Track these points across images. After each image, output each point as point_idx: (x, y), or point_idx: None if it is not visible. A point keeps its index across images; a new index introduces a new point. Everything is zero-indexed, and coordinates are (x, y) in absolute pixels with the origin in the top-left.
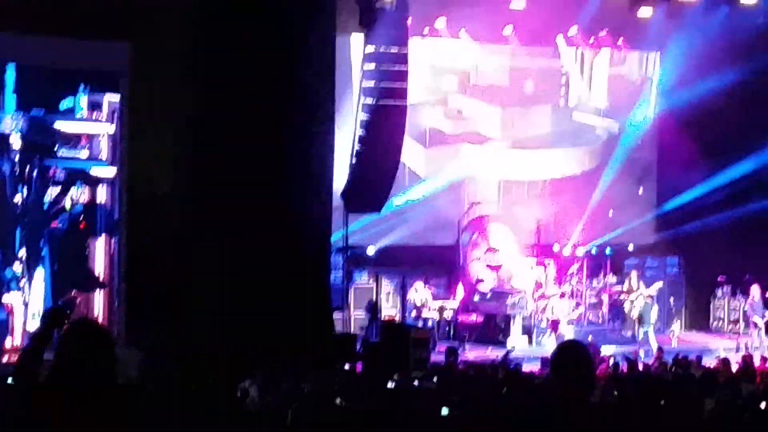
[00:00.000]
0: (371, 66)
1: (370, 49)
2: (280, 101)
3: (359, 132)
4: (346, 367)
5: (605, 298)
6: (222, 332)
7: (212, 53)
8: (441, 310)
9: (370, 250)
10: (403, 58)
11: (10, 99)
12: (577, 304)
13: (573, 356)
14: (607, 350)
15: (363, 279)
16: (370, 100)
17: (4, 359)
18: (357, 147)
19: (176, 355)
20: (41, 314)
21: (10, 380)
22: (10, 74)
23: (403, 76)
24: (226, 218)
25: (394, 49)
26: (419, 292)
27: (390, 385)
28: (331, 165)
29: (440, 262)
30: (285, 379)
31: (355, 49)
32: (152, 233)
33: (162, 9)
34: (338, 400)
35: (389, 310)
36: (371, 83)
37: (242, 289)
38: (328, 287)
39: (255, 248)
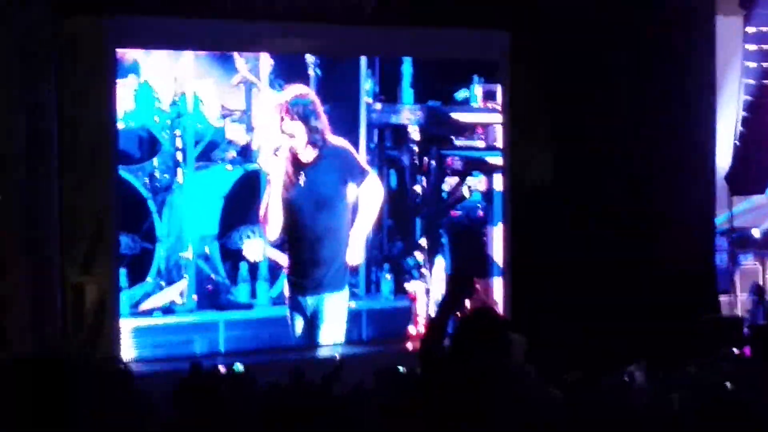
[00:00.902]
0: (752, 47)
1: (751, 29)
2: (660, 85)
3: (742, 114)
4: (734, 351)
5: None
6: (606, 316)
7: (589, 39)
8: None
9: (755, 232)
10: None
11: (408, 91)
12: None
13: None
14: None
15: (748, 261)
16: (751, 81)
17: (409, 346)
18: (740, 129)
19: (561, 340)
20: (445, 280)
21: (401, 369)
22: (407, 67)
23: None
24: (607, 203)
25: None
26: None
27: None
28: (713, 148)
29: None
30: (671, 364)
31: (736, 31)
32: (534, 220)
33: None
34: (728, 385)
35: None
36: (752, 64)
37: (625, 274)
38: (714, 270)
39: (637, 233)
